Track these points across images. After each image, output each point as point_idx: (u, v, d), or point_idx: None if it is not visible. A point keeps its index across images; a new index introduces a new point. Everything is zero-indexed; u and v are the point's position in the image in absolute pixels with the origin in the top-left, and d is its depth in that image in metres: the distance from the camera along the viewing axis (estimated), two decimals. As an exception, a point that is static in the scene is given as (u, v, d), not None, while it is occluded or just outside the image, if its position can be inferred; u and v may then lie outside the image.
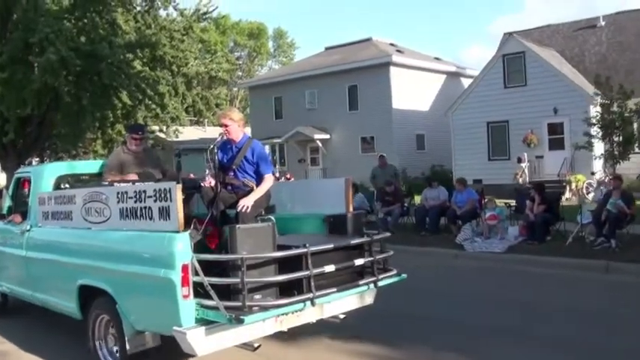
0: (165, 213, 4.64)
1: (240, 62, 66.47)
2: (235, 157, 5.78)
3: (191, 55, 28.65)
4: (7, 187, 11.17)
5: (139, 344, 5.04)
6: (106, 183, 6.22)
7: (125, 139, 7.03)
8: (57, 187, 6.99)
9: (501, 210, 12.95)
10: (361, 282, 5.26)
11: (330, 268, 4.85)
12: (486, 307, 7.66)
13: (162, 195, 4.64)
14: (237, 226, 4.66)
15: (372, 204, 15.26)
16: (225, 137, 5.79)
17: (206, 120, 49.08)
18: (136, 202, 4.94)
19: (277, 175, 29.13)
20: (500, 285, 9.17)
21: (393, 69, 30.72)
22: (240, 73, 64.10)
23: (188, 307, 4.47)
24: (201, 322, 4.52)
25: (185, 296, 4.46)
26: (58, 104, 23.27)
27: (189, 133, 38.57)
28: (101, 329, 5.49)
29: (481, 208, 12.95)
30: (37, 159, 29.91)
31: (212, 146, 5.65)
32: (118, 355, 5.25)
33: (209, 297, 4.42)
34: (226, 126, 5.79)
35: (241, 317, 4.27)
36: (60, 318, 6.55)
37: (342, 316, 5.78)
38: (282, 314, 4.83)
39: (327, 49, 38.85)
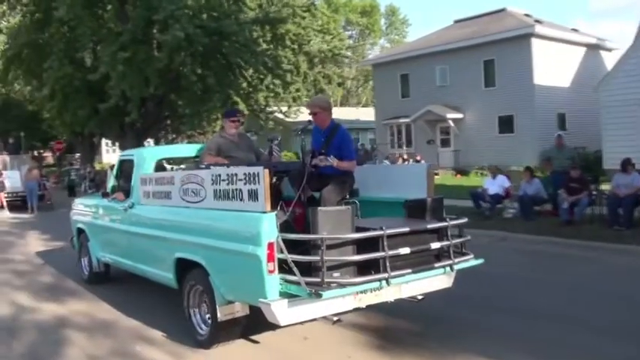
0: (253, 195, 5.04)
1: (352, 41, 65.38)
2: (323, 143, 6.15)
3: (313, 33, 27.83)
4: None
5: (228, 313, 5.54)
6: (203, 166, 6.73)
7: (223, 124, 7.47)
8: (158, 168, 7.59)
9: None
10: (437, 265, 5.50)
11: (405, 250, 5.11)
12: None
13: (252, 178, 5.04)
14: (319, 208, 5.00)
15: (549, 191, 13.70)
16: (312, 124, 6.19)
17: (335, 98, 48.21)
18: (228, 184, 5.37)
19: (404, 156, 29.03)
20: None
21: (534, 41, 28.31)
22: (349, 53, 63.62)
23: (273, 281, 4.88)
24: (285, 295, 4.91)
25: (270, 271, 4.86)
26: (179, 84, 22.91)
27: (307, 114, 38.42)
28: (195, 298, 6.02)
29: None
30: (151, 140, 29.83)
31: (299, 132, 6.06)
32: (210, 321, 5.76)
33: (292, 273, 4.80)
34: (315, 114, 6.19)
35: (320, 292, 4.62)
36: (156, 287, 7.21)
37: (420, 297, 6.02)
38: (361, 292, 5.14)
39: (456, 22, 36.75)
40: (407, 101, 33.26)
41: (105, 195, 8.18)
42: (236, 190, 5.26)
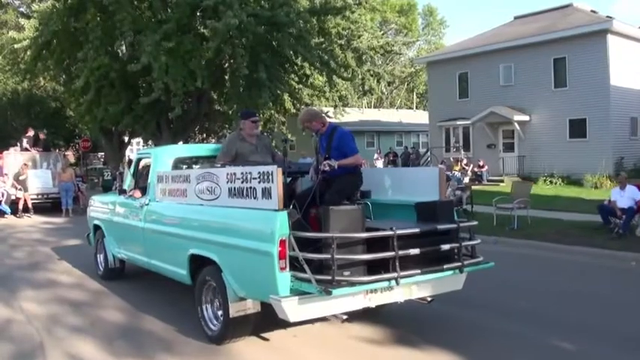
0: (267, 193, 5.14)
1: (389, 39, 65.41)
2: (326, 147, 6.27)
3: (363, 28, 26.09)
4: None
5: (240, 309, 5.65)
6: (218, 165, 6.81)
7: (240, 124, 7.36)
8: (174, 167, 7.71)
9: None
10: (446, 266, 5.56)
11: (414, 251, 5.19)
12: None
13: (265, 177, 5.15)
14: (331, 207, 5.10)
15: None
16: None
17: (364, 102, 46.74)
18: (242, 182, 5.49)
19: (464, 161, 27.91)
20: None
21: (610, 38, 25.68)
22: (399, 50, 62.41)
23: (284, 278, 4.97)
24: (296, 292, 5.00)
25: (282, 268, 4.95)
26: (223, 79, 21.46)
27: (350, 115, 35.19)
28: (208, 294, 6.13)
29: None
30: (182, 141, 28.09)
31: (313, 136, 6.21)
32: (221, 318, 5.86)
33: (303, 270, 4.89)
34: (307, 128, 6.42)
35: (329, 290, 4.71)
36: (170, 283, 7.27)
37: (429, 299, 6.10)
38: (371, 291, 5.24)
39: (516, 18, 34.39)
40: (465, 102, 31.02)
41: (122, 192, 8.31)
42: (250, 188, 5.37)
